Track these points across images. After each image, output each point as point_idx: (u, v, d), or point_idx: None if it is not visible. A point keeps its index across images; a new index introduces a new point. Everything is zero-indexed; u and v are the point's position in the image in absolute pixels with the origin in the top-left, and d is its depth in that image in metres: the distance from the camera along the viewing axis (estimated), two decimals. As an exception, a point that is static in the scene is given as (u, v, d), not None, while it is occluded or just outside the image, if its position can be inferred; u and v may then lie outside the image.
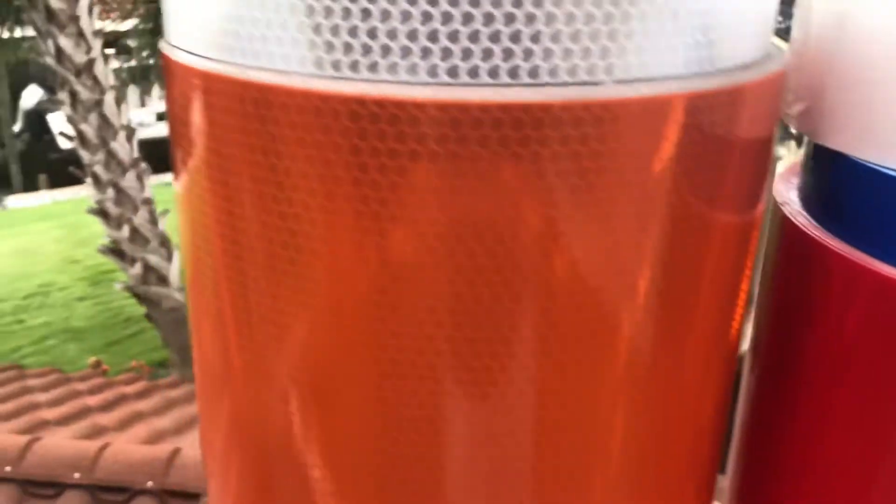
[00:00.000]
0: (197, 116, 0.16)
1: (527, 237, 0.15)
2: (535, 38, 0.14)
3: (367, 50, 0.14)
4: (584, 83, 0.14)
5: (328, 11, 0.14)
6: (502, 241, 0.14)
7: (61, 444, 1.76)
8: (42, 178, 8.07)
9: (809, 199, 0.20)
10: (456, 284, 0.15)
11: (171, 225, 3.78)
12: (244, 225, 0.16)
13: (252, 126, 0.15)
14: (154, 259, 3.48)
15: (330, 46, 0.14)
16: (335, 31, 0.14)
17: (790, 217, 0.20)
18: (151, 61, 4.89)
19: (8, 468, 1.67)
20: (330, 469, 0.17)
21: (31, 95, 9.02)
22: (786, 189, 0.21)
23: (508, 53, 0.14)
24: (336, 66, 0.14)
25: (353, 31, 0.14)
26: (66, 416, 2.19)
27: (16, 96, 9.07)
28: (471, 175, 0.14)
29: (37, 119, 8.91)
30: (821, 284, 0.18)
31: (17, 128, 9.05)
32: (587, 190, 0.15)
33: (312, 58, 0.14)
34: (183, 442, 1.91)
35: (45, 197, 7.71)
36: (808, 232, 0.19)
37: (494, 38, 0.14)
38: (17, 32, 4.70)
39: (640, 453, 0.17)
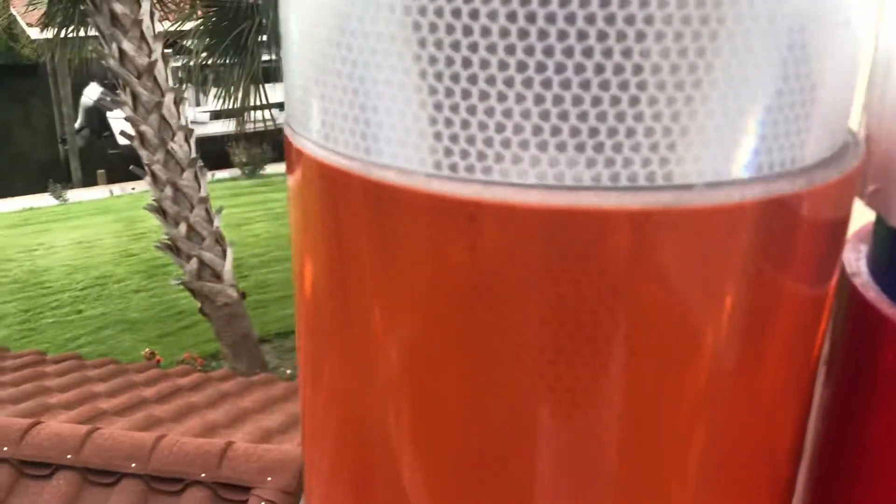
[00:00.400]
0: (318, 202, 0.18)
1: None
2: (636, 147, 0.15)
3: (482, 157, 0.16)
4: (678, 187, 0.16)
5: (448, 122, 0.16)
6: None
7: (119, 434, 1.80)
8: (100, 173, 8.22)
9: (879, 271, 0.20)
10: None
11: (224, 221, 3.84)
12: (354, 289, 0.18)
13: (372, 217, 0.17)
14: (208, 256, 3.55)
15: (448, 151, 0.16)
16: (454, 138, 0.16)
17: (860, 289, 0.20)
18: (208, 62, 4.96)
19: (69, 456, 1.72)
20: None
21: (92, 93, 9.19)
22: (855, 258, 0.21)
23: (609, 162, 0.15)
24: (453, 168, 0.16)
25: (470, 140, 0.16)
26: (124, 407, 2.24)
27: (77, 94, 9.24)
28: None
29: (96, 116, 9.08)
30: (888, 359, 0.19)
31: (77, 124, 9.23)
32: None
33: (432, 160, 0.16)
34: (235, 435, 1.94)
35: (103, 191, 7.85)
36: (878, 306, 0.19)
37: (598, 148, 0.15)
38: (80, 32, 4.80)
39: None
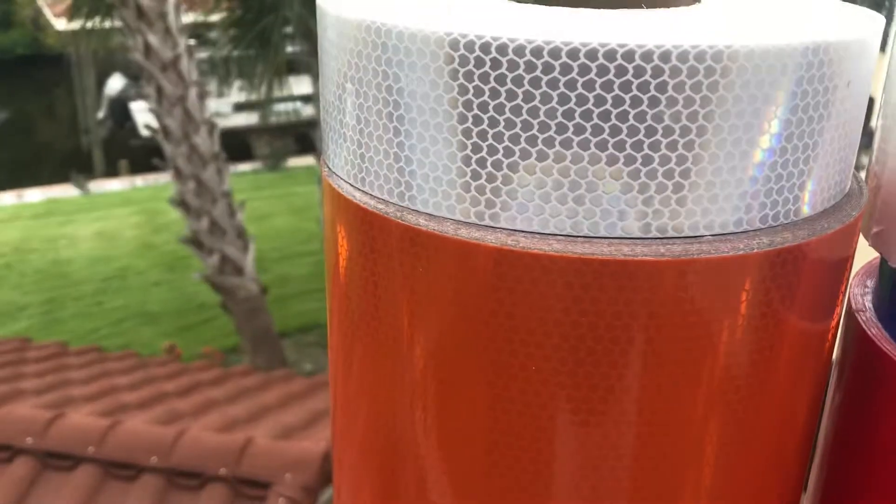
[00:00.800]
0: (354, 240, 0.19)
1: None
2: (648, 202, 0.17)
3: (506, 207, 0.17)
4: (687, 238, 0.17)
5: (476, 174, 0.17)
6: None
7: (140, 428, 1.83)
8: (122, 163, 8.30)
9: (883, 308, 0.21)
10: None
11: (247, 217, 3.88)
12: (387, 312, 0.19)
13: (405, 258, 0.18)
14: (231, 250, 3.58)
15: (476, 201, 0.17)
16: (481, 189, 0.17)
17: (864, 326, 0.21)
18: (233, 54, 4.99)
19: (91, 449, 1.74)
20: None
21: (115, 83, 9.29)
22: (861, 293, 0.22)
23: (622, 215, 0.16)
24: (480, 216, 0.17)
25: (496, 191, 0.17)
26: (145, 401, 2.27)
27: (100, 84, 9.34)
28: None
29: (120, 106, 9.17)
30: (889, 395, 0.19)
31: (100, 114, 9.33)
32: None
33: (461, 209, 0.17)
34: (255, 431, 1.96)
35: (125, 182, 7.93)
36: (880, 344, 0.20)
37: (614, 202, 0.17)
38: (105, 24, 4.85)
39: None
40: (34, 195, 7.50)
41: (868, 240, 0.21)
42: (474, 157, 0.17)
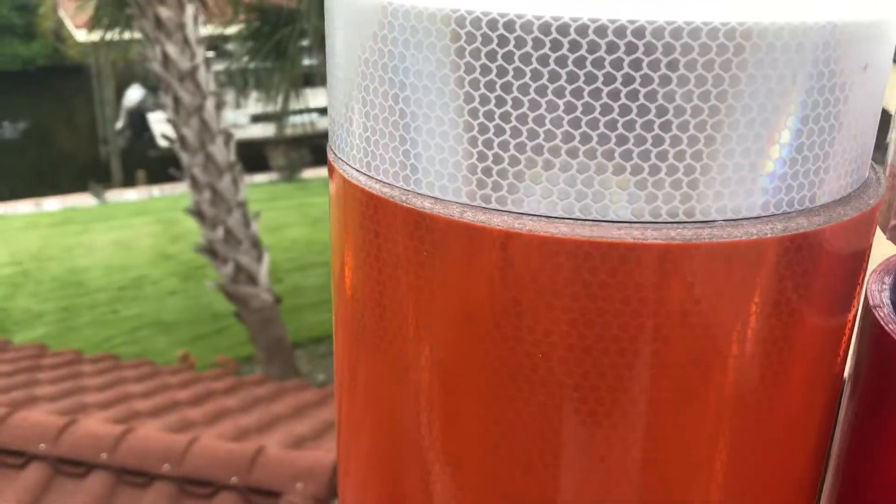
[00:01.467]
0: (359, 224, 0.19)
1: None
2: (658, 185, 0.16)
3: (513, 189, 0.17)
4: (698, 223, 0.16)
5: (482, 156, 0.17)
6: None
7: (153, 435, 1.83)
8: (140, 174, 8.36)
9: None
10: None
11: (261, 224, 3.89)
12: (391, 300, 0.19)
13: (410, 242, 0.18)
14: (245, 260, 3.59)
15: (482, 183, 0.17)
16: (488, 172, 0.17)
17: (881, 321, 0.20)
18: (250, 65, 5.02)
19: (103, 455, 1.75)
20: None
21: (134, 94, 9.37)
22: (878, 289, 0.22)
23: (632, 198, 0.16)
24: (486, 199, 0.17)
25: (502, 173, 0.17)
26: (158, 409, 2.28)
27: (119, 95, 9.43)
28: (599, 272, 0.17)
29: (138, 117, 9.24)
30: None
31: (119, 125, 9.41)
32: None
33: (467, 191, 0.17)
34: (267, 440, 1.96)
35: (142, 192, 7.98)
36: None
37: (623, 184, 0.16)
38: (125, 35, 4.89)
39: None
40: (52, 204, 7.56)
41: (886, 234, 0.21)
42: (481, 138, 0.17)
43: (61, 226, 6.77)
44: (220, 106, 3.48)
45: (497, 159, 0.17)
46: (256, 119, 7.55)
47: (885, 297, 0.21)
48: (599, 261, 0.16)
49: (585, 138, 0.16)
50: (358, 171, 0.19)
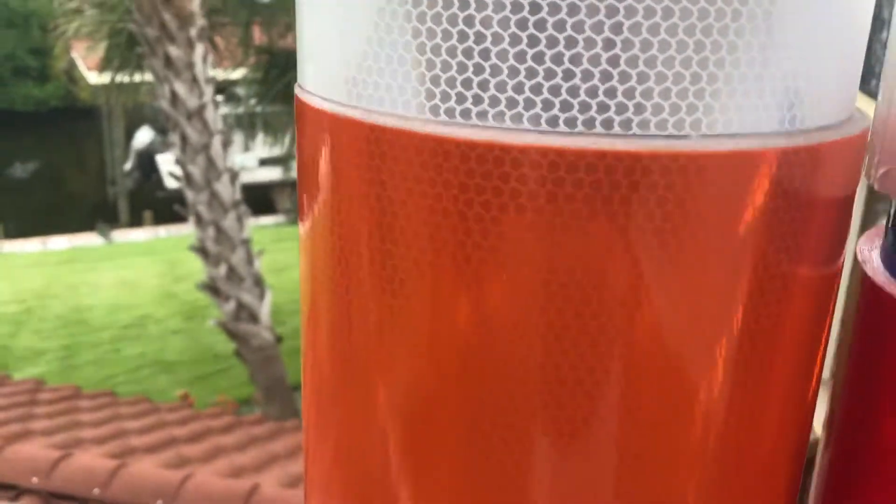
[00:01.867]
0: (323, 155, 0.18)
1: (613, 293, 0.16)
2: (629, 94, 0.15)
3: (477, 101, 0.16)
4: (672, 136, 0.15)
5: (445, 65, 0.16)
6: (589, 301, 0.16)
7: (147, 471, 1.80)
8: (147, 214, 8.41)
9: (891, 261, 0.20)
10: (547, 339, 0.16)
11: (266, 266, 3.89)
12: (355, 260, 0.18)
13: (372, 164, 0.17)
14: (247, 297, 3.58)
15: (445, 96, 0.16)
16: (451, 83, 0.16)
17: (870, 274, 0.20)
18: (258, 109, 5.08)
19: (96, 490, 1.72)
20: (421, 501, 0.18)
21: (143, 136, 9.47)
22: (868, 249, 0.21)
23: (603, 107, 0.15)
24: (450, 113, 0.16)
25: (466, 84, 0.16)
26: (154, 445, 2.25)
27: (129, 137, 9.53)
28: (565, 225, 0.15)
29: (147, 159, 9.34)
30: None
31: (127, 166, 9.49)
32: (674, 245, 0.16)
33: (430, 105, 0.16)
34: (262, 478, 1.93)
35: (148, 233, 8.02)
36: (888, 289, 0.19)
37: (592, 93, 0.15)
38: (135, 77, 4.96)
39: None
40: (59, 243, 7.59)
41: (875, 184, 0.20)
42: (444, 46, 0.16)
43: (67, 264, 6.79)
44: (226, 144, 3.51)
45: (462, 69, 0.15)
46: (264, 162, 7.61)
47: (875, 255, 0.21)
48: (565, 170, 0.15)
49: (551, 42, 0.15)
50: (319, 97, 0.18)
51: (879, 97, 0.20)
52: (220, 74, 4.81)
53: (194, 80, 3.37)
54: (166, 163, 7.78)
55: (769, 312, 0.17)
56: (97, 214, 8.39)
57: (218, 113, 3.51)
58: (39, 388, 2.89)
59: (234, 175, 3.52)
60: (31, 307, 5.84)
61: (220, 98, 3.70)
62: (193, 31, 3.34)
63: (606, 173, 0.15)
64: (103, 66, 5.04)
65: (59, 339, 5.37)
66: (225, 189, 3.46)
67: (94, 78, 7.17)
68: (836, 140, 0.17)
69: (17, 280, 6.37)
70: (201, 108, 3.38)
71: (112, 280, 6.31)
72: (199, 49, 3.39)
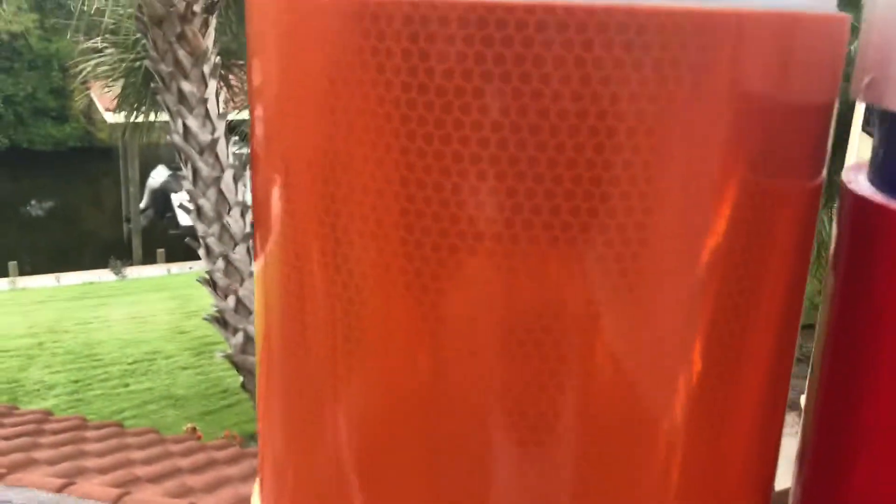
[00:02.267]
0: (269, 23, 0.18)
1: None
2: None
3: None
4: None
5: None
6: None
7: (150, 500, 1.78)
8: (160, 251, 8.45)
9: (878, 175, 0.19)
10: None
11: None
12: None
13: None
14: (254, 330, 3.57)
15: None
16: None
17: (854, 190, 0.19)
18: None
19: (98, 518, 1.70)
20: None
21: (158, 175, 9.57)
22: (854, 173, 0.21)
23: None
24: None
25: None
26: (158, 475, 2.23)
27: (145, 176, 9.63)
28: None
29: (161, 197, 9.42)
30: (887, 250, 0.18)
31: (142, 205, 9.58)
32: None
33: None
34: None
35: (161, 269, 8.06)
36: (874, 199, 0.18)
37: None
38: (150, 117, 5.03)
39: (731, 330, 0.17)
40: (72, 279, 7.63)
41: (860, 96, 0.20)
42: None
43: (79, 300, 6.83)
44: (237, 178, 3.53)
45: None
46: (278, 201, 7.64)
47: (861, 177, 0.20)
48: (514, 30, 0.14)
49: None
50: None
51: (865, 12, 0.20)
52: (234, 115, 4.86)
53: (207, 115, 3.40)
54: (181, 201, 7.83)
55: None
56: (111, 251, 8.44)
57: (230, 148, 3.53)
58: (46, 419, 2.89)
59: (244, 209, 3.54)
60: (42, 342, 5.86)
61: (234, 138, 3.73)
62: (207, 68, 3.38)
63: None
64: (119, 105, 5.11)
65: (69, 373, 5.37)
66: (235, 222, 3.47)
67: (111, 118, 7.27)
68: (809, 14, 0.16)
69: (29, 315, 6.40)
70: (213, 143, 3.41)
71: (123, 315, 6.33)
72: (212, 85, 3.43)
